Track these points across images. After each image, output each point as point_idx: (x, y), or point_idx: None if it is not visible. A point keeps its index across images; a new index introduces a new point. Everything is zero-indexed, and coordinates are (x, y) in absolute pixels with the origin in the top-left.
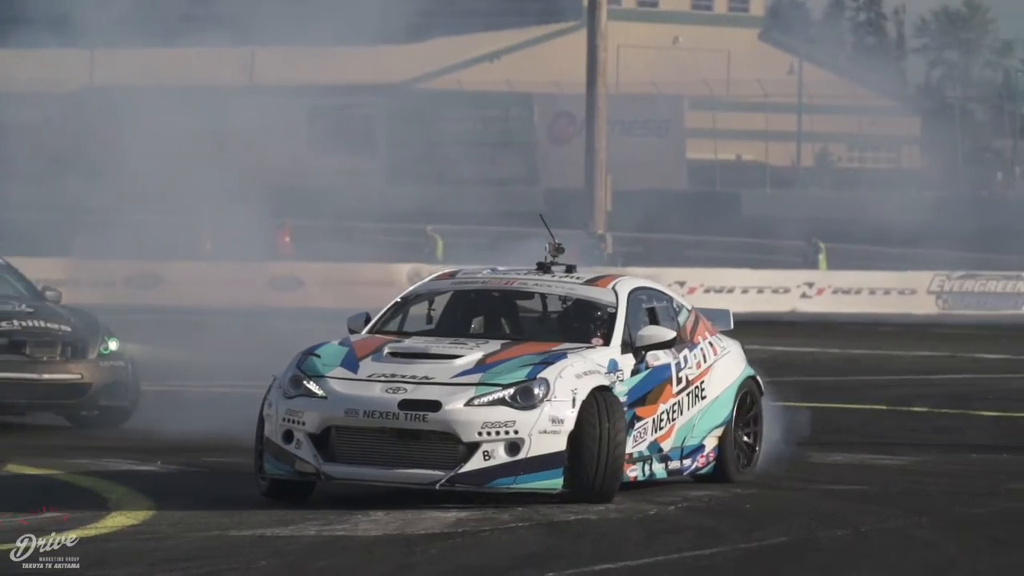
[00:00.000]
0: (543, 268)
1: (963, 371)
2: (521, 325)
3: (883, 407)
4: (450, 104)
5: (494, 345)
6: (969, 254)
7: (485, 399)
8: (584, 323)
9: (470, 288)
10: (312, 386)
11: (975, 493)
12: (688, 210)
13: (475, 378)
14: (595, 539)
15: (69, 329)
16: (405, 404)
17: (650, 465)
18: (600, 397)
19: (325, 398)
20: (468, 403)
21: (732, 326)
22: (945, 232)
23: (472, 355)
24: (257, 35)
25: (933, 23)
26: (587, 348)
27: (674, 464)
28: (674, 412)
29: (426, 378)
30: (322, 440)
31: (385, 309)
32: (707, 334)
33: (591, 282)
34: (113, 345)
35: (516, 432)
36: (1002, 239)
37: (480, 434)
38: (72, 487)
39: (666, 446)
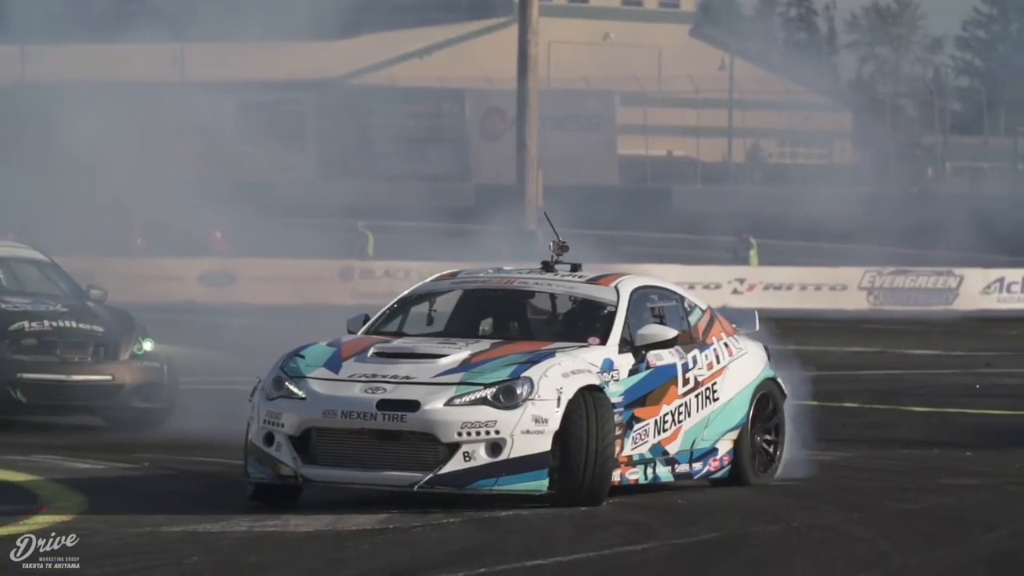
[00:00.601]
0: (547, 267)
1: (894, 367)
2: (530, 326)
3: (814, 403)
4: (381, 100)
5: (483, 345)
6: (900, 250)
7: (466, 399)
8: (585, 322)
9: (471, 288)
10: (293, 387)
11: (906, 489)
12: (619, 206)
13: (457, 377)
14: (526, 535)
15: (101, 329)
16: (383, 404)
17: (653, 468)
18: (588, 397)
19: (304, 399)
20: (448, 403)
21: (757, 328)
22: (876, 228)
23: (458, 354)
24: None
25: (864, 19)
26: (581, 347)
27: (682, 468)
28: (680, 414)
29: (407, 378)
30: (302, 442)
31: (383, 310)
32: (723, 335)
33: (593, 281)
34: (147, 346)
35: (497, 432)
36: (933, 235)
37: (460, 434)
38: (5, 485)
39: (672, 449)
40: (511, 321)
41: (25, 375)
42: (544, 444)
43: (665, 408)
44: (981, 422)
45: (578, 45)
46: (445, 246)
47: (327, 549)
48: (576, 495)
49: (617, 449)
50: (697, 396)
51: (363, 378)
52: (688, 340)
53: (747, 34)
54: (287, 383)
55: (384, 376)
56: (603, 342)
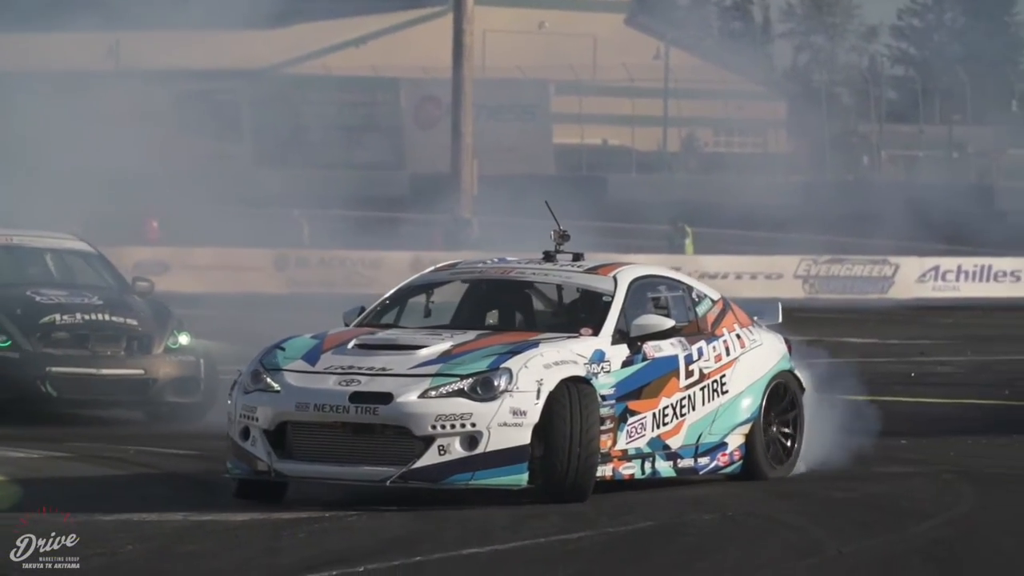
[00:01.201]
0: (548, 256)
1: (829, 355)
2: (534, 317)
3: None
4: (316, 89)
5: (468, 336)
6: (836, 238)
7: (441, 390)
8: (582, 312)
9: (468, 279)
10: (269, 380)
11: (840, 477)
12: (555, 194)
13: (433, 369)
14: (462, 523)
15: (136, 323)
16: (356, 397)
17: (652, 463)
18: (573, 389)
19: (279, 392)
20: (423, 395)
21: (780, 319)
22: (812, 216)
23: (439, 346)
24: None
25: (799, 8)
26: (570, 338)
27: (685, 462)
28: (683, 407)
29: (383, 369)
30: (278, 437)
31: (378, 302)
32: (735, 326)
33: (592, 270)
34: (183, 339)
35: (473, 425)
36: (868, 223)
37: (434, 427)
38: None
39: (674, 443)
40: (515, 312)
41: (55, 369)
42: (523, 437)
43: (665, 401)
44: (916, 410)
45: (513, 34)
46: (379, 235)
47: (263, 538)
48: (560, 490)
49: (609, 443)
50: (703, 389)
51: (339, 370)
52: (695, 331)
53: (682, 23)
54: (264, 376)
55: (360, 368)
56: (596, 333)
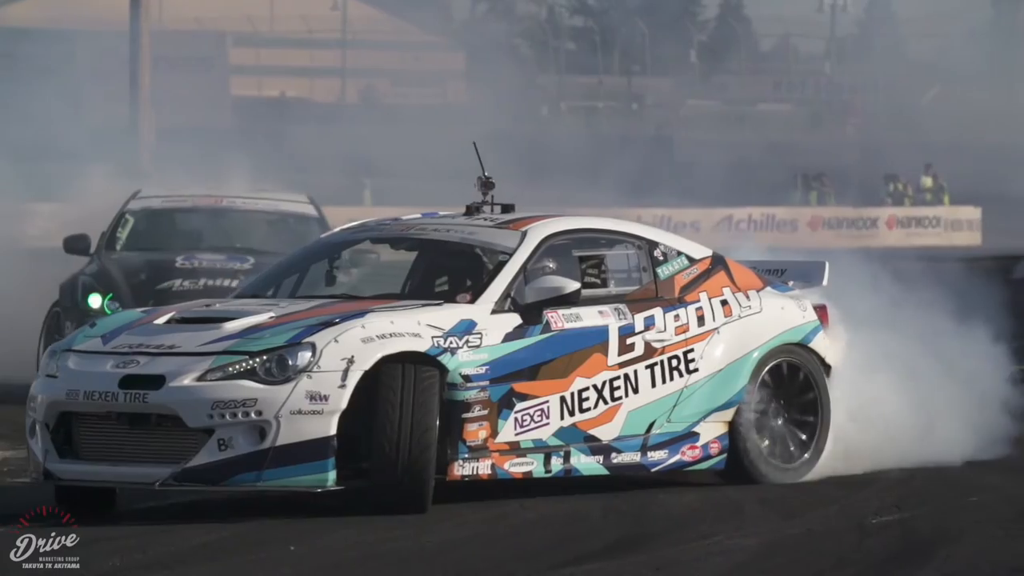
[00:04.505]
0: (469, 210)
1: None
2: (450, 282)
3: None
4: None
5: (302, 305)
6: (517, 190)
7: (223, 372)
8: (474, 275)
9: (360, 237)
10: (54, 364)
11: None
12: (233, 147)
13: (222, 346)
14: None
15: None
16: (127, 381)
17: (565, 458)
18: (400, 369)
19: (56, 378)
20: (201, 377)
21: (825, 282)
22: (492, 168)
23: (255, 317)
24: None
25: None
26: (428, 306)
27: (626, 457)
28: (616, 389)
29: (172, 347)
30: (63, 431)
31: (265, 271)
32: (725, 291)
33: (504, 224)
34: None
35: (259, 414)
36: (548, 174)
37: (211, 417)
38: None
39: (606, 433)
40: (444, 277)
41: None
42: (323, 428)
43: (582, 382)
44: None
45: None
46: (54, 188)
47: None
48: (391, 495)
49: (482, 433)
50: (653, 366)
51: (126, 349)
52: (650, 296)
53: None
54: (55, 358)
55: (148, 347)
56: (474, 299)
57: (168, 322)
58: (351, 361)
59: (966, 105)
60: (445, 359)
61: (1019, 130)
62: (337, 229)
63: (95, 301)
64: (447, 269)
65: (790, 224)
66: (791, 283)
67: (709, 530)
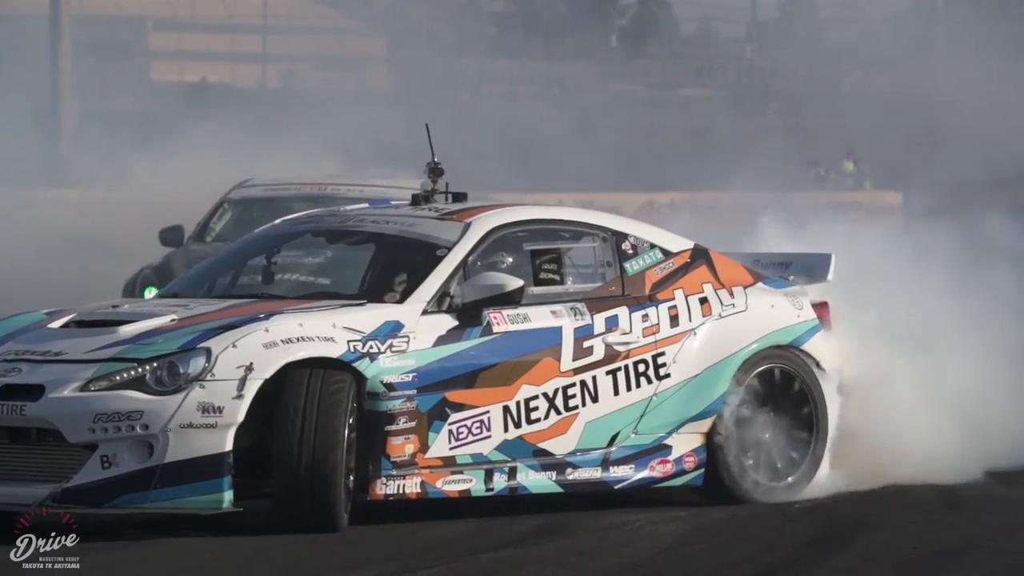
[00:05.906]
0: (415, 200)
1: None
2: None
3: None
4: None
5: (213, 306)
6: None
7: (108, 381)
8: (409, 272)
9: (301, 230)
10: None
11: None
12: (153, 134)
13: (110, 352)
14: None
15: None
16: (6, 392)
17: (508, 474)
18: (307, 375)
19: None
20: (83, 387)
21: (830, 277)
22: (415, 154)
23: (155, 320)
24: None
25: None
26: (348, 306)
27: (583, 473)
28: (570, 397)
29: (58, 354)
30: None
31: (191, 270)
32: (706, 287)
33: (448, 215)
34: None
35: (146, 427)
36: (471, 159)
37: (93, 431)
38: None
39: (559, 447)
40: (403, 274)
41: None
42: (216, 443)
43: (530, 390)
44: None
45: None
46: None
47: None
48: (295, 515)
49: (411, 448)
50: (613, 372)
51: (11, 356)
52: (615, 294)
53: None
54: None
55: (34, 353)
56: (402, 299)
57: (65, 325)
58: (249, 369)
59: (888, 89)
60: (363, 365)
61: (941, 114)
62: (277, 221)
63: (151, 296)
64: (403, 265)
65: (710, 209)
66: (792, 278)
67: (633, 516)
